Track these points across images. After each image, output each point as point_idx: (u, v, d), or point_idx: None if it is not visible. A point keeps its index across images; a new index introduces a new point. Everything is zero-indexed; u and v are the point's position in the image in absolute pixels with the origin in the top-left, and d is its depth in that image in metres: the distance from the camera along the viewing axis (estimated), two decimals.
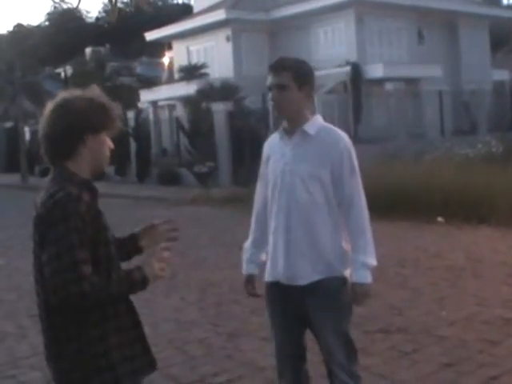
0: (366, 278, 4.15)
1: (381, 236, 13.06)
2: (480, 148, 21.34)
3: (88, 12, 73.13)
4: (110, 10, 10.97)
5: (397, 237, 13.22)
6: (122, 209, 21.24)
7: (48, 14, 70.37)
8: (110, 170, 31.37)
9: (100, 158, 3.36)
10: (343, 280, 4.19)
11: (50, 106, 3.27)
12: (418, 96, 30.12)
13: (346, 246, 4.21)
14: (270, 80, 4.19)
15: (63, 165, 3.25)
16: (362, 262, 4.11)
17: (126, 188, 27.52)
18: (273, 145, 4.40)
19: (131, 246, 3.55)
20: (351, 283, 4.15)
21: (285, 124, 4.28)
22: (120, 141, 30.37)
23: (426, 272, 10.04)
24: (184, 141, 29.12)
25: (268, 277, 4.36)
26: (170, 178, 27.78)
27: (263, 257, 4.49)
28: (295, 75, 4.12)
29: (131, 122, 31.31)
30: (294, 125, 4.21)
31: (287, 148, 4.22)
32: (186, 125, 29.05)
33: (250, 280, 4.55)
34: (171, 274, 10.90)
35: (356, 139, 27.15)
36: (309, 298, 4.17)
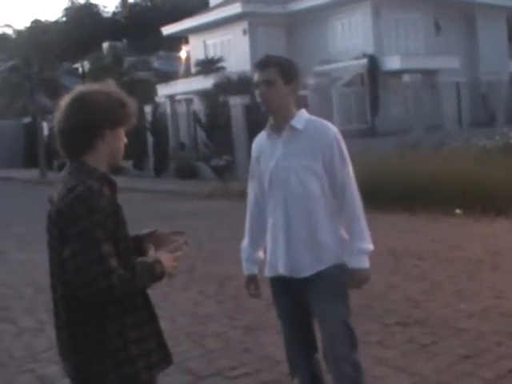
0: (364, 263, 4.23)
1: (399, 228, 13.15)
2: (498, 139, 21.20)
3: (105, 7, 73.24)
4: (122, 5, 11.03)
5: (414, 229, 13.19)
6: (141, 203, 21.30)
7: (65, 9, 70.53)
8: (127, 164, 31.47)
9: (116, 152, 3.36)
10: (343, 267, 4.24)
11: (66, 99, 3.26)
12: (436, 88, 29.97)
13: (344, 233, 4.28)
14: (256, 76, 4.25)
15: (80, 159, 3.24)
16: (359, 248, 4.20)
17: (144, 182, 27.59)
18: (261, 143, 4.46)
19: (135, 246, 3.52)
20: (349, 269, 4.21)
21: (271, 121, 4.34)
22: (138, 135, 30.49)
23: (444, 264, 10.00)
24: (201, 134, 29.14)
25: (269, 272, 4.42)
26: (188, 172, 27.82)
27: (261, 255, 4.59)
28: (281, 71, 4.19)
29: (148, 117, 31.34)
30: (281, 121, 4.27)
31: (277, 144, 4.28)
32: (203, 118, 29.06)
33: (251, 280, 4.61)
34: (189, 268, 10.97)
35: (373, 131, 27.16)
36: (311, 288, 4.23)
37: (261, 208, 4.45)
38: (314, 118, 4.34)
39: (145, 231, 3.59)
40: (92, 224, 3.02)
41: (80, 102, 3.23)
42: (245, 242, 4.65)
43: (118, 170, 31.31)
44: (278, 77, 4.17)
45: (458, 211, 14.37)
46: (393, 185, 15.49)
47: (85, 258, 2.99)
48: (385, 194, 15.31)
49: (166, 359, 3.42)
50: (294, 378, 4.56)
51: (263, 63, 4.25)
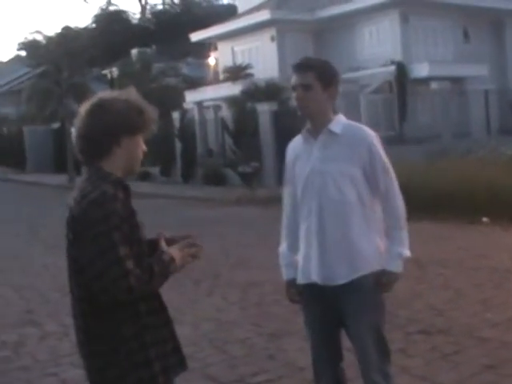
0: (399, 267, 4.22)
1: (424, 236, 13.06)
2: None
3: (134, 14, 73.38)
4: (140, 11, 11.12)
5: (441, 237, 13.12)
6: (167, 209, 21.40)
7: (95, 16, 70.88)
8: (155, 170, 31.57)
9: (133, 159, 3.39)
10: (378, 276, 4.20)
11: (85, 106, 3.30)
12: (464, 95, 29.82)
13: (380, 241, 4.23)
14: (294, 79, 4.19)
15: (98, 165, 3.28)
16: (398, 253, 4.19)
17: (171, 188, 27.64)
18: (297, 147, 4.40)
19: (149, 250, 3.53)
20: (383, 270, 4.19)
21: (308, 125, 4.28)
22: (165, 141, 30.57)
23: (469, 273, 9.95)
24: (229, 141, 29.17)
25: (301, 279, 4.35)
26: (215, 179, 27.84)
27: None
28: (319, 75, 4.12)
29: (176, 123, 31.41)
30: (318, 125, 4.21)
31: (314, 149, 4.22)
32: (230, 125, 29.08)
33: (292, 285, 4.51)
34: (214, 274, 11.00)
35: (401, 139, 27.06)
36: (344, 297, 4.17)
37: (296, 212, 4.39)
38: (351, 122, 4.28)
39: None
40: (108, 228, 3.06)
41: (99, 108, 3.27)
42: (283, 247, 4.56)
43: (145, 176, 31.52)
44: (316, 81, 4.11)
45: (485, 219, 14.28)
46: (420, 192, 15.39)
47: (103, 262, 3.04)
48: (411, 202, 15.03)
49: (181, 363, 3.44)
50: None
51: (302, 66, 4.19)
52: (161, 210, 21.31)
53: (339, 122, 4.22)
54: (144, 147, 3.42)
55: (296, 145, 4.43)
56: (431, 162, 18.13)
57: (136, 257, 3.17)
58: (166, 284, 10.04)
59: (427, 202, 15.01)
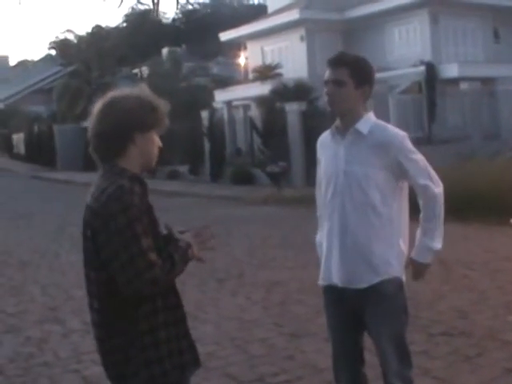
0: (426, 258, 4.23)
1: (451, 237, 12.86)
2: None
3: (165, 13, 73.81)
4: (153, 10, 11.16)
5: (467, 238, 13.03)
6: (195, 208, 21.44)
7: (125, 15, 71.29)
8: (184, 169, 31.66)
9: (148, 155, 3.40)
10: (401, 282, 4.18)
11: (99, 104, 3.34)
12: (494, 96, 29.55)
13: (403, 246, 4.19)
14: (326, 74, 4.11)
15: (113, 162, 3.30)
16: (427, 245, 4.18)
17: (200, 187, 27.69)
18: (325, 144, 4.34)
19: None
20: (410, 258, 4.22)
21: (337, 122, 4.21)
22: (194, 140, 30.65)
23: (494, 275, 9.86)
24: (257, 141, 29.18)
25: (322, 280, 4.32)
26: (244, 178, 27.84)
27: None
28: (353, 72, 4.04)
29: (205, 122, 31.48)
30: (346, 123, 4.13)
31: (340, 148, 4.16)
32: (259, 125, 29.08)
33: None
34: (238, 273, 11.03)
35: (430, 139, 26.90)
36: (366, 301, 4.13)
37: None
38: (380, 122, 4.19)
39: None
40: (129, 220, 3.09)
41: (110, 106, 3.30)
42: (318, 237, 4.52)
43: (174, 175, 31.62)
44: (349, 78, 4.03)
45: None
46: (448, 193, 15.24)
47: (127, 255, 3.07)
48: None
49: (195, 361, 3.45)
50: None
51: (336, 61, 4.09)
52: (189, 208, 21.38)
53: (368, 121, 4.13)
54: (159, 143, 3.44)
55: (324, 141, 4.37)
56: (459, 163, 18.00)
57: (157, 249, 3.20)
58: (190, 282, 10.18)
59: (454, 204, 14.79)
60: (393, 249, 4.13)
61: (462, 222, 14.31)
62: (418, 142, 25.63)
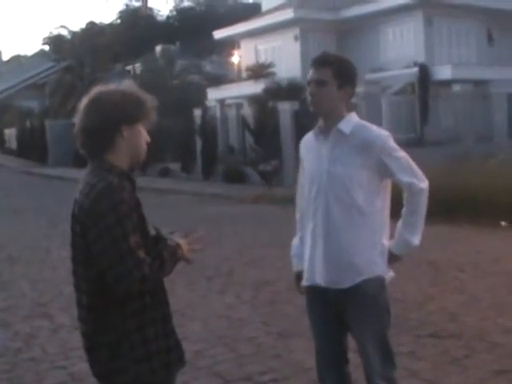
0: (402, 252, 4.21)
1: (442, 239, 13.00)
2: None
3: (159, 10, 73.77)
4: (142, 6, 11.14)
5: (458, 240, 13.03)
6: (186, 205, 21.44)
7: (120, 12, 71.22)
8: (175, 166, 31.61)
9: (137, 149, 3.39)
10: (383, 281, 4.17)
11: (85, 100, 3.33)
12: (487, 98, 29.59)
13: (387, 243, 4.19)
14: (310, 74, 4.12)
15: (102, 157, 3.29)
16: (406, 239, 4.15)
17: (191, 185, 27.65)
18: (308, 144, 4.34)
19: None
20: (388, 248, 4.18)
21: (320, 122, 4.21)
22: (186, 138, 30.61)
23: (484, 277, 9.86)
24: (250, 139, 29.16)
25: (306, 281, 4.31)
26: (235, 176, 27.80)
27: None
28: (336, 72, 4.03)
29: (198, 120, 31.44)
30: (329, 123, 4.13)
31: (323, 148, 4.15)
32: (251, 123, 29.06)
33: (300, 276, 4.45)
34: (228, 272, 11.02)
35: (422, 141, 26.92)
36: (349, 301, 4.12)
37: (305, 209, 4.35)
38: (363, 122, 4.18)
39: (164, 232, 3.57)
40: (119, 217, 3.08)
41: (97, 101, 3.29)
42: (295, 239, 4.53)
43: (165, 173, 31.57)
44: (332, 79, 4.03)
45: (503, 223, 14.19)
46: (438, 195, 15.26)
47: (116, 252, 3.05)
48: (430, 205, 15.14)
49: (181, 359, 3.44)
50: None
51: (319, 61, 4.09)
52: (180, 206, 21.37)
53: (350, 121, 4.13)
54: (147, 137, 3.43)
55: (308, 140, 4.37)
56: (451, 165, 18.02)
57: (145, 247, 3.19)
58: (179, 280, 10.17)
59: (446, 205, 14.91)
60: (376, 247, 4.14)
61: (453, 223, 14.35)
62: (409, 144, 25.73)
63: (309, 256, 4.26)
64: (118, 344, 3.22)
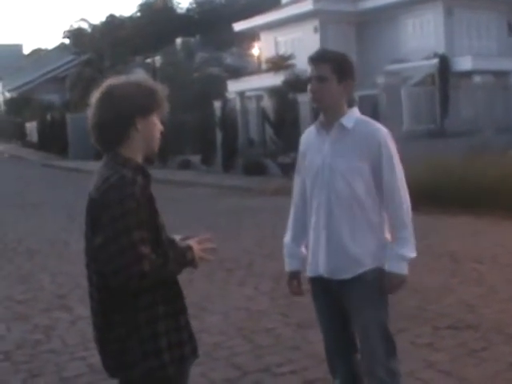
0: (401, 268, 4.16)
1: (461, 230, 12.98)
2: None
3: (179, 3, 73.79)
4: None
5: (477, 231, 12.99)
6: (206, 198, 21.44)
7: (140, 5, 71.27)
8: (195, 159, 31.63)
9: (151, 140, 3.39)
10: (384, 271, 4.20)
11: (96, 94, 3.32)
12: (507, 89, 29.40)
13: (388, 235, 4.23)
14: (309, 71, 4.18)
15: (116, 151, 3.29)
16: (398, 254, 4.12)
17: (211, 177, 27.66)
18: (309, 139, 4.41)
19: None
20: (386, 272, 4.15)
21: (321, 117, 4.27)
22: (206, 130, 30.61)
23: (503, 269, 9.83)
24: (270, 131, 29.14)
25: (309, 272, 4.38)
26: (255, 168, 27.76)
27: (304, 251, 4.52)
28: (335, 68, 4.11)
29: (218, 112, 31.44)
30: (330, 118, 4.20)
31: (325, 142, 4.21)
32: (271, 115, 29.03)
33: (294, 276, 4.57)
34: (247, 264, 11.05)
35: (442, 132, 26.80)
36: (349, 291, 4.19)
37: (305, 203, 4.39)
38: (364, 117, 4.27)
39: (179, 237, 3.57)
40: (124, 211, 3.07)
41: (109, 95, 3.28)
42: (287, 237, 4.59)
43: (185, 165, 31.58)
44: (331, 74, 4.10)
45: None
46: (458, 187, 15.28)
47: (116, 246, 3.05)
48: (450, 196, 15.14)
49: (193, 352, 3.45)
50: (336, 379, 4.54)
51: (318, 58, 4.17)
52: (200, 198, 21.41)
53: (352, 116, 4.21)
54: (161, 126, 3.43)
55: (309, 136, 4.44)
56: (472, 156, 17.94)
57: (154, 243, 3.19)
58: (198, 272, 10.16)
59: (465, 197, 14.88)
60: (378, 239, 4.20)
61: (472, 215, 14.30)
62: (430, 135, 25.60)
63: (312, 248, 4.33)
64: (128, 338, 3.23)
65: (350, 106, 4.29)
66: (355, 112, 4.26)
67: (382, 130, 4.16)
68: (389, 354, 4.23)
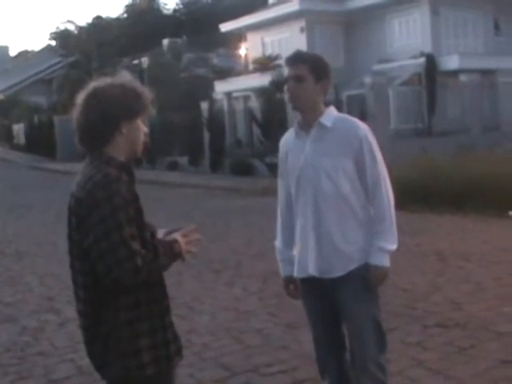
0: (382, 261, 4.17)
1: (448, 228, 13.03)
2: None
3: (165, 4, 73.65)
4: None
5: (465, 230, 13.03)
6: (194, 199, 21.45)
7: (126, 6, 71.16)
8: (183, 160, 31.63)
9: (135, 143, 3.38)
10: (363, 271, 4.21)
11: (81, 95, 3.31)
12: (494, 88, 29.52)
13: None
14: (287, 72, 4.21)
15: (100, 150, 3.29)
16: (379, 247, 4.15)
17: (199, 178, 27.66)
18: (289, 141, 4.42)
19: None
20: (369, 265, 4.17)
21: (299, 118, 4.29)
22: (194, 131, 30.60)
23: (490, 266, 9.85)
24: (257, 132, 29.15)
25: (298, 272, 4.38)
26: (243, 169, 27.79)
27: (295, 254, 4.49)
28: (312, 68, 4.14)
29: (205, 113, 31.43)
30: (308, 118, 4.22)
31: (305, 143, 4.22)
32: (259, 116, 29.04)
33: (289, 281, 4.54)
34: (235, 264, 11.04)
35: (430, 131, 26.91)
36: (340, 288, 4.20)
37: (291, 206, 4.39)
38: (342, 115, 4.31)
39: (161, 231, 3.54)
40: (113, 209, 3.06)
41: (95, 96, 3.27)
42: (278, 242, 4.58)
43: (173, 166, 31.58)
44: (309, 74, 4.12)
45: (510, 213, 14.16)
46: (446, 185, 15.33)
47: (108, 243, 3.04)
48: (437, 195, 15.20)
49: (178, 352, 3.44)
50: (325, 379, 4.56)
51: (294, 59, 4.21)
52: (188, 199, 21.40)
53: (330, 115, 4.22)
54: (145, 129, 3.42)
55: (288, 138, 4.45)
56: (459, 155, 18.00)
57: (141, 240, 3.18)
58: (187, 273, 10.16)
59: (453, 195, 14.93)
60: (367, 235, 4.21)
61: (460, 213, 14.37)
62: (417, 134, 25.68)
63: (300, 248, 4.33)
64: (109, 337, 3.23)
65: (327, 105, 4.30)
66: (332, 110, 4.27)
67: (362, 126, 4.18)
68: (379, 349, 4.25)
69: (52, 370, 6.72)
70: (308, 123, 4.23)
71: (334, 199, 4.14)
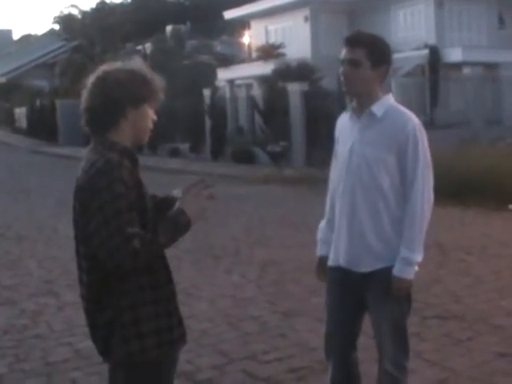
0: (405, 273, 3.98)
1: (449, 221, 13.01)
2: None
3: None
4: None
5: (466, 223, 13.04)
6: None
7: None
8: (185, 147, 31.61)
9: (141, 130, 3.36)
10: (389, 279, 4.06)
11: (91, 78, 3.30)
12: (497, 81, 29.45)
13: None
14: (343, 53, 4.00)
15: (104, 135, 3.28)
16: (404, 258, 3.96)
17: (200, 165, 27.62)
18: (343, 124, 4.29)
19: (165, 206, 3.50)
20: (392, 275, 3.99)
21: (354, 103, 4.14)
22: (195, 118, 30.58)
23: (490, 260, 9.87)
24: (259, 120, 29.11)
25: (331, 261, 4.28)
26: (244, 157, 27.73)
27: None
28: (370, 52, 3.93)
29: (207, 100, 31.38)
30: (362, 104, 4.05)
31: (355, 129, 4.09)
32: (261, 104, 28.98)
33: (322, 261, 4.42)
34: (234, 251, 11.05)
35: (432, 123, 26.83)
36: (368, 285, 4.09)
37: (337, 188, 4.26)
38: (396, 106, 4.09)
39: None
40: (112, 196, 3.05)
41: (102, 80, 3.26)
42: (323, 222, 4.44)
43: (174, 153, 31.55)
44: (366, 59, 3.92)
45: (511, 206, 14.16)
46: (448, 178, 15.31)
47: (107, 230, 3.04)
48: (439, 187, 15.09)
49: (183, 337, 3.44)
50: (328, 361, 4.42)
51: (352, 41, 4.00)
52: None
53: (384, 103, 4.03)
54: (154, 117, 3.39)
55: (342, 121, 4.32)
56: (461, 147, 17.97)
57: (143, 226, 3.18)
58: (186, 259, 10.18)
59: (454, 188, 14.90)
60: (399, 235, 4.02)
61: (461, 206, 14.36)
62: None
63: (336, 237, 4.23)
64: (112, 322, 3.23)
65: (385, 91, 4.10)
66: (388, 99, 4.09)
67: (413, 122, 4.00)
68: (400, 349, 4.14)
69: (50, 352, 6.73)
70: (361, 109, 4.07)
71: (371, 192, 3.99)
